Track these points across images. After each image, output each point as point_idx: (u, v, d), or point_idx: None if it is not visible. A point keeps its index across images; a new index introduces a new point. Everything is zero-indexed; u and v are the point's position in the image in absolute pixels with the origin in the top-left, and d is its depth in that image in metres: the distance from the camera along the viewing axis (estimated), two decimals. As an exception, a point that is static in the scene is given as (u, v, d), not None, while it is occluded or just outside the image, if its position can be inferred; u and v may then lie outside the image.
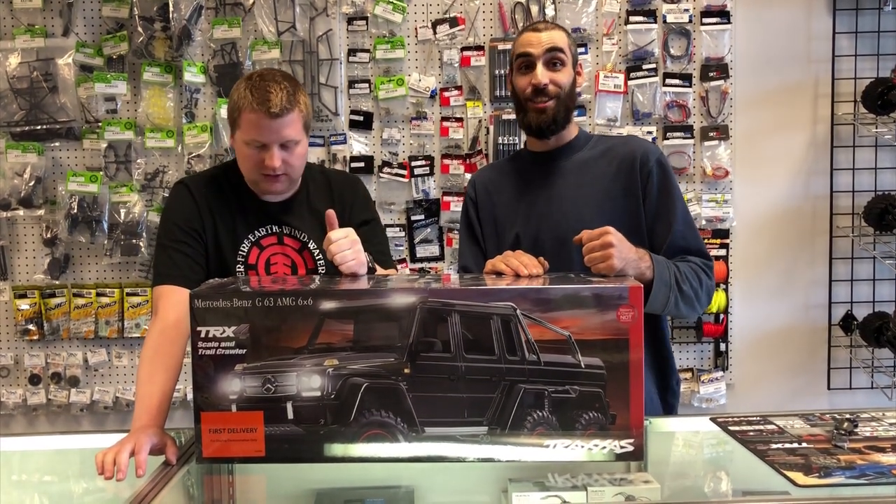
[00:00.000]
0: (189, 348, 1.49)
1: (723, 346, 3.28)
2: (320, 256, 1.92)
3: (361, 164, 3.21)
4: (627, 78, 3.19)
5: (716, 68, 3.20)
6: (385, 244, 2.04)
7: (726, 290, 3.23)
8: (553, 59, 1.90)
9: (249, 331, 1.42)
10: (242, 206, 1.92)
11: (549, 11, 3.18)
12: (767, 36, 3.25)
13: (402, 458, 1.42)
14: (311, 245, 1.93)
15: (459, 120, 3.22)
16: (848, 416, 1.71)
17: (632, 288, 1.42)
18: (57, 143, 3.20)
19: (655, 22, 3.20)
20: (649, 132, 3.20)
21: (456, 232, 3.12)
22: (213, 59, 3.18)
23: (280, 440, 1.42)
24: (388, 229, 3.17)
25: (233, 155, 2.04)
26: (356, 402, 1.41)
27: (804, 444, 1.58)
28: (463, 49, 3.20)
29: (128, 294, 3.22)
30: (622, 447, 1.42)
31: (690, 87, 3.22)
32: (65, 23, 3.17)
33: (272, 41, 3.15)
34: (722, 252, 3.23)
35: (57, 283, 3.22)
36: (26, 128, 3.16)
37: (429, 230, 3.26)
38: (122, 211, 3.17)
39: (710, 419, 1.81)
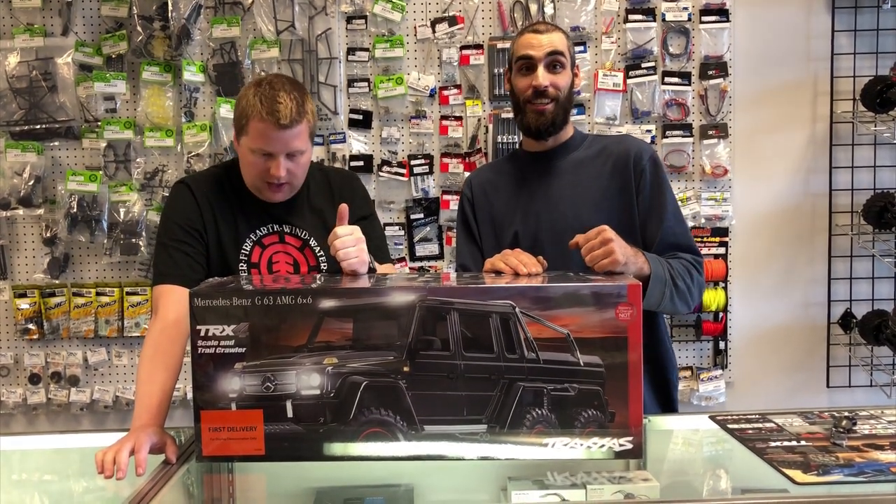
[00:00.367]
0: (189, 347, 1.50)
1: (722, 345, 3.28)
2: (322, 254, 1.93)
3: (361, 163, 3.21)
4: (626, 76, 3.19)
5: (715, 66, 3.20)
6: (382, 239, 2.07)
7: (725, 289, 3.24)
8: (554, 61, 1.93)
9: (249, 329, 1.43)
10: (243, 205, 1.92)
11: (549, 10, 3.18)
12: (766, 34, 3.25)
13: (402, 456, 1.43)
14: (313, 243, 1.94)
15: (459, 118, 3.22)
16: (847, 413, 1.71)
17: (630, 286, 1.43)
18: (56, 143, 3.20)
19: (654, 20, 3.20)
20: (648, 130, 3.21)
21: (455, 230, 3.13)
22: (213, 58, 3.18)
23: (280, 439, 1.43)
24: (387, 228, 3.18)
25: (232, 154, 2.04)
26: (355, 400, 1.41)
27: (803, 442, 1.59)
28: (462, 48, 3.20)
29: (127, 293, 3.22)
30: (621, 445, 1.42)
31: (689, 85, 3.22)
32: (64, 22, 3.17)
33: (271, 40, 3.15)
34: (721, 250, 3.23)
35: (57, 282, 3.22)
36: (25, 127, 3.16)
37: (428, 229, 3.27)
38: (122, 210, 3.17)
39: (710, 417, 1.82)
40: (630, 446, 1.42)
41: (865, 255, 3.26)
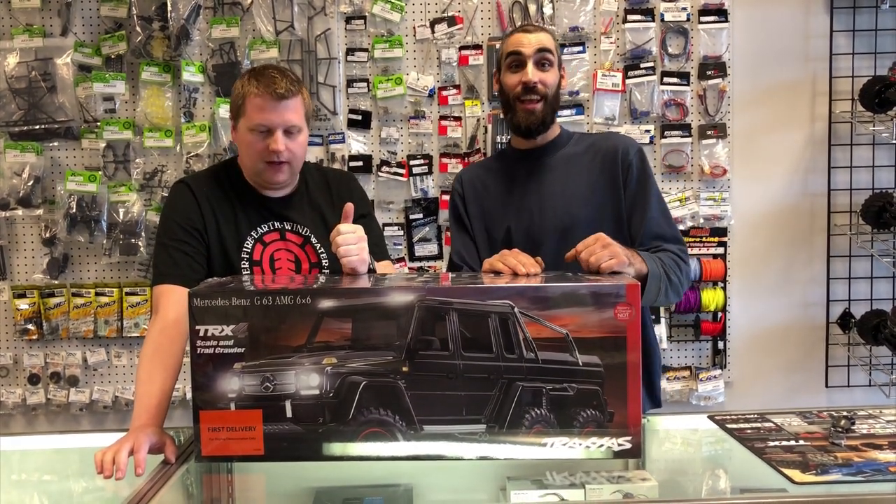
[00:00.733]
0: (188, 347, 1.50)
1: (721, 344, 3.29)
2: (322, 250, 1.94)
3: (360, 163, 3.21)
4: (625, 76, 3.19)
5: (713, 66, 3.20)
6: (380, 237, 2.09)
7: (724, 289, 3.24)
8: (542, 59, 1.98)
9: (248, 329, 1.43)
10: (243, 202, 1.93)
11: (547, 10, 3.18)
12: (765, 34, 3.26)
13: (401, 456, 1.43)
14: (313, 239, 1.94)
15: (458, 119, 3.22)
16: (845, 413, 1.71)
17: (629, 286, 1.43)
18: (55, 143, 3.20)
19: (653, 20, 3.20)
20: (647, 131, 3.21)
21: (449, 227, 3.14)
22: (212, 59, 3.18)
23: (279, 439, 1.43)
24: (386, 228, 3.18)
25: (232, 154, 2.04)
26: (355, 400, 1.41)
27: (801, 442, 1.59)
28: (461, 48, 3.20)
29: (127, 293, 3.22)
30: (620, 445, 1.42)
31: (688, 85, 3.22)
32: (63, 22, 3.17)
33: (270, 40, 3.15)
34: (720, 250, 3.24)
35: (56, 282, 3.22)
36: (25, 127, 3.16)
37: (427, 229, 3.27)
38: (121, 210, 3.17)
39: (708, 417, 1.82)
40: (629, 446, 1.42)
41: (864, 254, 3.26)
